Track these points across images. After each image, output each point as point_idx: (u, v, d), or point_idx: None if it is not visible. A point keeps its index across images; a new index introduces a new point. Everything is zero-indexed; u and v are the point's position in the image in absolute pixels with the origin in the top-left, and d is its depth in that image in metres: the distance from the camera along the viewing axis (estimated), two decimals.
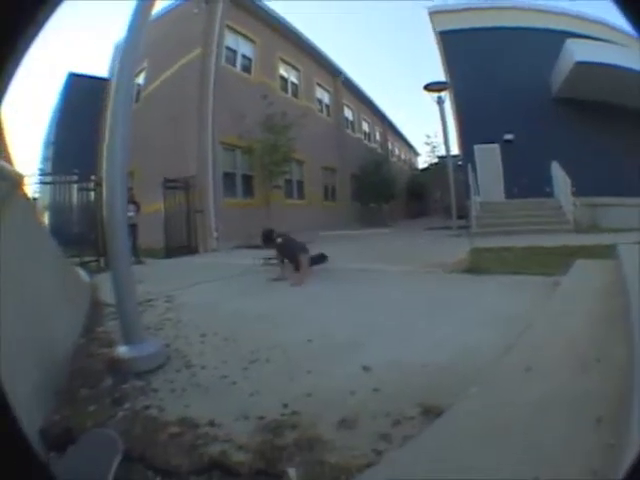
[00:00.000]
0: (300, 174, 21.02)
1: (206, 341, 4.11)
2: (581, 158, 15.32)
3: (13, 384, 2.13)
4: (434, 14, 20.42)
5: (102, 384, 3.12)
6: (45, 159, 24.59)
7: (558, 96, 17.51)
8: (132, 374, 3.29)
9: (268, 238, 7.99)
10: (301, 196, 20.95)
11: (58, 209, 11.42)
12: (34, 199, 11.13)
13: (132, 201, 11.76)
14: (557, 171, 15.11)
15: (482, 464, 1.84)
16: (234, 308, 5.51)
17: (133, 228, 11.32)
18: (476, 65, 18.53)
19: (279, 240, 7.86)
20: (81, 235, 11.16)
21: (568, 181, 14.01)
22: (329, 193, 24.60)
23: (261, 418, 2.52)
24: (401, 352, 3.51)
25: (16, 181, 2.84)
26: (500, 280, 6.16)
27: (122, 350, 3.51)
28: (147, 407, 2.78)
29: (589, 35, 16.47)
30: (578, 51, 15.25)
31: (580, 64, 15.01)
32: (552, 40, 16.67)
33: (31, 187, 10.70)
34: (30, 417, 2.25)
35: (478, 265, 7.11)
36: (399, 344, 3.76)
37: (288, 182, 19.43)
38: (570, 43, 15.82)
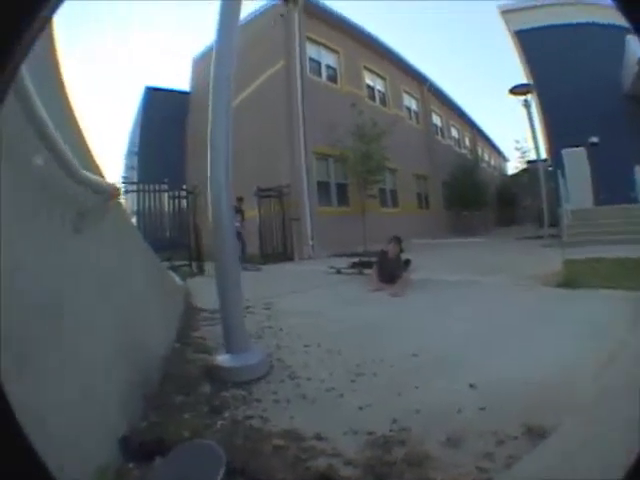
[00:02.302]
0: (393, 182, 20.95)
1: (310, 352, 4.06)
2: None
3: (99, 386, 2.16)
4: (506, 13, 19.94)
5: (198, 391, 3.10)
6: (129, 168, 25.63)
7: (630, 94, 16.44)
8: (231, 383, 3.26)
9: (399, 242, 7.99)
10: (395, 204, 20.89)
11: (148, 215, 11.73)
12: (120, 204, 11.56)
13: (238, 210, 11.89)
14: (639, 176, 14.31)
15: None
16: (335, 318, 5.46)
17: (238, 235, 11.72)
18: (555, 65, 17.86)
19: (399, 251, 7.94)
20: (173, 240, 11.45)
21: None
22: (422, 201, 24.44)
23: (370, 433, 2.44)
24: (503, 368, 3.36)
25: (111, 194, 2.89)
26: (595, 295, 5.86)
27: (224, 358, 3.51)
28: (249, 417, 2.72)
29: None
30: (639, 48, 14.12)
31: None
32: (618, 36, 15.51)
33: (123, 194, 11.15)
34: (112, 423, 2.23)
35: (572, 278, 6.76)
36: (500, 360, 3.60)
37: (382, 190, 19.34)
38: (629, 39, 14.88)
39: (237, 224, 10.93)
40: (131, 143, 27.56)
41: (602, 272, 7.39)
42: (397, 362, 3.65)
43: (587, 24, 17.52)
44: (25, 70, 1.56)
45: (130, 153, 26.78)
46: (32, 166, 1.88)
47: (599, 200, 16.91)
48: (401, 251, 7.99)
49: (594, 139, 17.45)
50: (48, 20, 1.08)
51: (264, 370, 3.47)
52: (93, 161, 3.07)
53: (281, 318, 5.44)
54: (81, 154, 2.59)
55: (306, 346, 4.20)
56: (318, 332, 4.73)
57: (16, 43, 0.97)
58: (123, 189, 11.64)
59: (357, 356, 3.81)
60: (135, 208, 11.98)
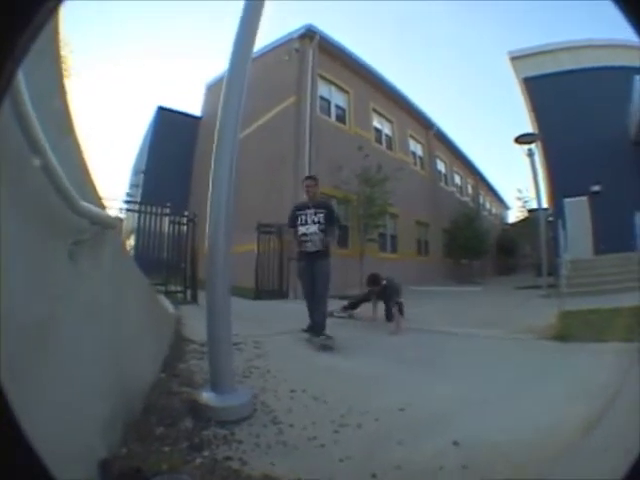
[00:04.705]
0: (394, 228, 21.01)
1: (295, 397, 4.02)
2: None
3: (83, 407, 2.18)
4: (515, 59, 20.25)
5: (180, 425, 3.08)
6: (133, 185, 25.80)
7: (636, 140, 16.44)
8: (214, 421, 3.23)
9: (374, 281, 8.29)
10: (394, 250, 20.86)
11: (147, 235, 11.61)
12: (121, 220, 11.61)
13: (317, 204, 7.13)
14: None
15: None
16: (324, 364, 5.42)
17: (313, 258, 6.82)
18: (561, 113, 18.04)
19: (384, 282, 8.28)
20: (169, 263, 11.34)
21: None
22: (422, 248, 24.44)
23: None
24: (490, 427, 3.32)
25: (109, 225, 2.90)
26: (589, 348, 5.88)
27: (208, 395, 3.47)
28: (229, 458, 2.70)
29: None
30: None
31: None
32: (626, 78, 15.65)
33: (122, 211, 11.31)
34: (93, 444, 2.24)
35: (567, 331, 6.77)
36: (488, 418, 3.56)
37: (382, 235, 19.37)
38: (638, 80, 14.75)
39: (311, 228, 6.88)
40: (138, 161, 27.75)
41: (597, 324, 7.40)
42: (383, 415, 3.61)
43: (595, 68, 17.64)
44: (26, 89, 1.59)
45: (136, 171, 26.93)
46: (30, 193, 1.90)
47: (599, 249, 16.94)
48: (378, 283, 8.39)
49: (596, 188, 17.55)
50: (46, 20, 1.09)
51: (248, 412, 3.44)
52: (93, 187, 3.08)
53: (270, 358, 5.39)
54: (80, 180, 2.61)
55: (292, 391, 4.15)
56: (305, 377, 4.69)
57: (12, 46, 0.98)
58: (125, 207, 11.64)
59: (343, 406, 3.78)
60: (135, 226, 12.00)
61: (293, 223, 7.12)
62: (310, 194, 7.21)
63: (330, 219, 7.00)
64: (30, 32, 1.01)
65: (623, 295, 10.14)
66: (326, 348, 6.17)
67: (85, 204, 2.28)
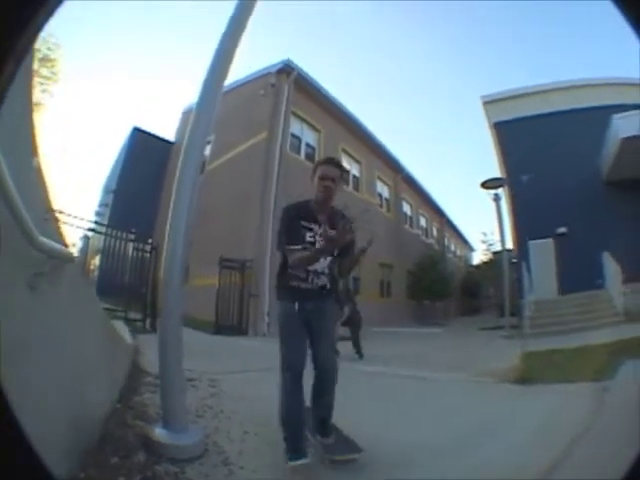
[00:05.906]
0: (357, 270, 20.68)
1: (247, 439, 3.94)
2: (634, 241, 13.79)
3: (43, 429, 2.10)
4: (488, 104, 20.64)
5: (134, 458, 3.06)
6: (103, 204, 25.54)
7: (609, 180, 16.65)
8: (166, 457, 3.19)
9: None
10: (356, 291, 20.40)
11: (112, 257, 11.59)
12: (87, 238, 11.48)
13: (330, 214, 3.91)
14: (608, 262, 14.57)
15: None
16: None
17: (313, 299, 3.72)
18: (530, 157, 18.32)
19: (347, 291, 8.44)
20: (130, 287, 11.22)
21: (618, 270, 13.44)
22: (384, 289, 24.48)
23: None
24: (447, 474, 3.32)
25: (66, 258, 2.91)
26: (551, 390, 5.88)
27: (160, 432, 3.42)
28: None
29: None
30: (623, 126, 14.00)
31: (627, 140, 13.74)
32: (601, 118, 15.59)
33: (88, 232, 11.34)
34: (56, 466, 2.15)
35: (529, 374, 6.76)
36: (447, 465, 3.53)
37: None
38: (616, 119, 14.64)
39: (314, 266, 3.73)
40: (110, 179, 27.46)
41: (560, 364, 7.41)
42: (338, 463, 3.53)
43: (567, 111, 18.03)
44: None
45: (107, 190, 26.64)
46: None
47: (564, 289, 17.02)
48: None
49: (562, 230, 17.75)
50: (46, 21, 1.12)
51: (199, 451, 3.40)
52: (54, 220, 3.08)
53: (225, 398, 5.27)
54: (41, 213, 2.63)
55: (245, 433, 4.08)
56: (259, 420, 4.53)
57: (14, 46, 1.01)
58: (92, 228, 11.53)
59: None
60: (101, 247, 12.09)
61: (290, 238, 3.63)
62: (328, 196, 3.85)
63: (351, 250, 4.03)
64: (30, 32, 1.04)
65: (588, 334, 10.30)
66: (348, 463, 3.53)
67: (43, 239, 2.30)
